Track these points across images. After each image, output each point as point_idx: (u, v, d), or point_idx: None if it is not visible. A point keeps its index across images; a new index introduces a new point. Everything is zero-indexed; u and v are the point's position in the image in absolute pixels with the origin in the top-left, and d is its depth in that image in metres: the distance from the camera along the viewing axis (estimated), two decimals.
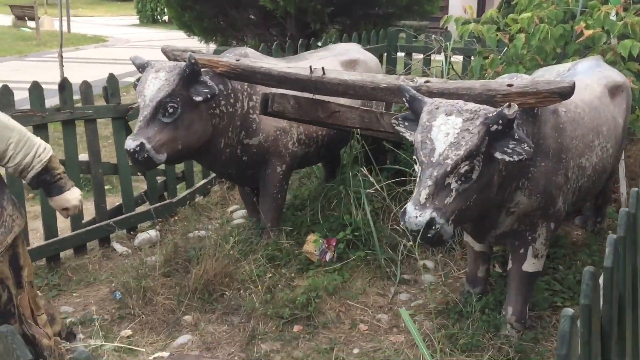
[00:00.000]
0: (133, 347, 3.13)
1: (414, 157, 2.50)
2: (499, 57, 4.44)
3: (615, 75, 3.48)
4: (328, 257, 3.88)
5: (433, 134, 2.41)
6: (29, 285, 2.28)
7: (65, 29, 21.31)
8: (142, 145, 3.15)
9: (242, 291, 3.52)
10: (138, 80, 3.50)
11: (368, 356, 3.04)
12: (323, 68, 3.06)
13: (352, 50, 4.54)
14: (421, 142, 2.43)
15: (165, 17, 29.10)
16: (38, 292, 2.52)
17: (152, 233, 4.42)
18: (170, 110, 3.24)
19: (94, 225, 4.19)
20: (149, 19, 28.62)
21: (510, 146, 2.35)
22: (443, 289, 3.64)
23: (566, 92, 2.48)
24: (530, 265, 2.96)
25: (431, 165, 2.37)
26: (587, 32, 4.17)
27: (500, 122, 2.32)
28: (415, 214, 2.32)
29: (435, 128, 2.41)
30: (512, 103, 2.31)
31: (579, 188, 3.00)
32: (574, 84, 2.49)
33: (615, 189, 4.54)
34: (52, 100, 4.07)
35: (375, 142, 4.37)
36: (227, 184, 5.34)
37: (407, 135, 2.60)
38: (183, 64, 3.29)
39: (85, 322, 3.37)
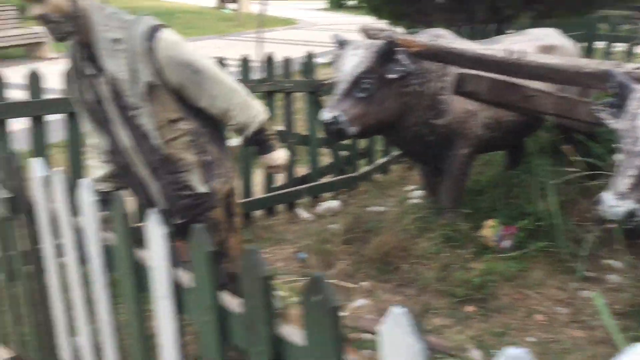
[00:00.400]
0: None
1: (617, 145, 2.39)
2: None
3: None
4: (506, 244, 3.83)
5: (639, 122, 2.29)
6: (238, 232, 2.59)
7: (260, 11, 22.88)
8: (337, 117, 3.36)
9: (417, 266, 3.62)
10: (335, 56, 3.72)
11: (543, 346, 2.98)
12: (520, 51, 3.02)
13: (550, 35, 4.37)
14: (627, 130, 2.32)
15: (351, 2, 29.91)
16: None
17: (334, 203, 4.69)
18: (366, 86, 3.40)
19: (283, 191, 4.54)
20: (335, 3, 29.61)
21: None
22: (632, 291, 3.42)
23: None
24: None
25: (635, 155, 2.26)
26: None
27: None
28: (615, 203, 2.23)
29: None
30: None
31: None
32: None
33: None
34: None
35: (565, 132, 4.19)
36: (407, 164, 5.46)
37: (610, 121, 2.49)
38: (380, 42, 3.44)
39: (272, 275, 3.70)
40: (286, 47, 14.57)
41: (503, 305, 3.29)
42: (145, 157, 2.34)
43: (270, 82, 4.31)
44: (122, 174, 2.49)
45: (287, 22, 21.33)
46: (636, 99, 2.34)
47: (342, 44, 3.64)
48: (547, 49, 4.10)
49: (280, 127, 4.62)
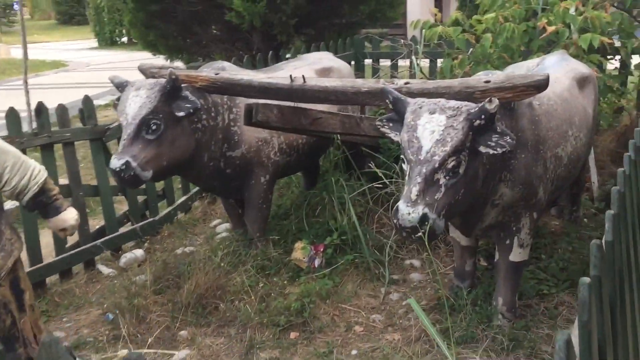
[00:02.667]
0: None
1: (402, 156, 2.57)
2: (467, 57, 4.57)
3: (581, 68, 3.63)
4: (317, 263, 3.92)
5: (419, 132, 2.49)
6: (31, 308, 2.27)
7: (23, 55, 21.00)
8: (127, 163, 3.15)
9: (235, 302, 3.53)
10: (118, 99, 3.51)
11: (366, 356, 3.09)
12: (303, 76, 3.13)
13: (325, 58, 4.62)
14: (408, 141, 2.50)
15: (124, 39, 28.92)
16: (39, 314, 2.50)
17: (138, 252, 4.40)
18: (154, 127, 3.25)
19: (79, 249, 4.15)
20: (107, 41, 28.40)
21: (494, 139, 2.44)
22: (432, 285, 3.72)
23: (541, 85, 2.59)
24: (517, 255, 3.05)
25: (419, 163, 2.44)
26: (550, 28, 4.34)
27: (483, 116, 2.42)
28: (408, 210, 2.38)
29: (420, 127, 2.49)
30: (492, 98, 2.41)
31: (557, 177, 3.11)
32: (548, 76, 2.60)
33: (587, 178, 4.70)
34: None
35: (353, 147, 4.45)
36: (208, 199, 5.36)
37: (393, 135, 2.67)
38: (163, 80, 3.32)
39: (79, 345, 3.34)
40: (59, 92, 13.56)
41: (324, 324, 3.35)
42: None
43: (45, 134, 3.91)
44: None
45: (56, 65, 19.89)
46: (411, 112, 2.54)
47: (121, 85, 3.45)
48: (324, 71, 4.34)
49: (65, 181, 4.23)
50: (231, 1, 7.18)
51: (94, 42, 29.48)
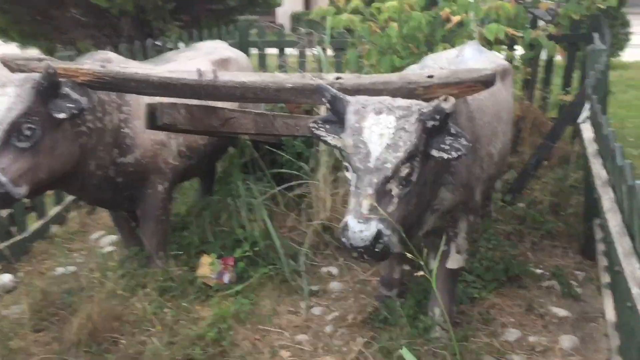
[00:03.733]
0: None
1: (344, 163, 2.24)
2: (374, 47, 4.32)
3: (500, 60, 3.52)
4: (227, 279, 3.50)
5: (365, 136, 2.16)
6: None
7: None
8: None
9: (138, 335, 3.01)
10: None
11: None
12: (215, 70, 2.68)
13: (220, 48, 4.17)
14: (353, 146, 2.17)
15: None
16: None
17: (6, 278, 3.69)
18: (28, 133, 2.64)
19: None
20: None
21: (447, 142, 2.18)
22: (356, 295, 3.45)
23: (489, 80, 2.37)
24: (454, 261, 2.86)
25: (369, 171, 2.12)
26: (455, 18, 4.21)
27: (437, 117, 2.14)
28: (360, 227, 2.06)
29: (366, 129, 2.17)
30: (447, 96, 2.15)
31: (489, 177, 2.95)
32: (495, 71, 2.40)
33: None
34: None
35: (254, 147, 4.07)
36: (87, 209, 4.69)
37: (330, 139, 2.33)
38: (36, 75, 2.71)
39: None
40: None
41: (246, 351, 2.95)
42: None
43: None
44: None
45: None
46: (353, 112, 2.21)
47: None
48: (222, 62, 3.88)
49: None
50: None
51: None
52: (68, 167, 2.87)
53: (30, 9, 7.72)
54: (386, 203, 2.12)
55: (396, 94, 2.40)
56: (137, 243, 3.64)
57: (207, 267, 3.48)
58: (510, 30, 4.13)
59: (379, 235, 2.07)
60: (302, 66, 5.78)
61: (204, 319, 3.13)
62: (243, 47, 6.54)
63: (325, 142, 2.35)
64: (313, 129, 2.36)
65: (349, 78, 2.53)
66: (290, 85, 2.58)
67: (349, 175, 2.21)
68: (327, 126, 2.34)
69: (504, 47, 4.35)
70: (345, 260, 3.79)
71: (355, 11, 4.66)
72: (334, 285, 3.58)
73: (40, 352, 2.91)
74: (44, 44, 7.96)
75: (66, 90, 2.72)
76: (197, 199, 4.44)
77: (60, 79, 2.72)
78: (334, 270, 3.74)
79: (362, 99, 2.26)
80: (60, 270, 3.78)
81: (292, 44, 6.27)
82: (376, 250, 2.08)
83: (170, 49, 5.61)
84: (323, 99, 2.29)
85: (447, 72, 2.43)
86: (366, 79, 2.51)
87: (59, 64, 2.84)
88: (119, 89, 2.89)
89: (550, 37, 4.59)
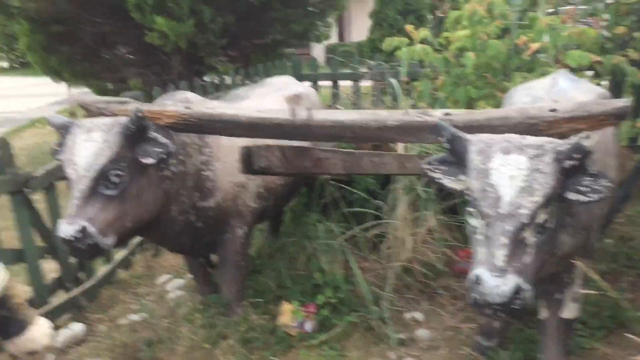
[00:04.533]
0: None
1: (468, 209, 2.04)
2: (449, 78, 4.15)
3: (597, 88, 3.30)
4: (308, 327, 3.30)
5: (494, 178, 1.97)
6: None
7: None
8: (84, 229, 2.39)
9: None
10: (59, 145, 2.73)
11: None
12: (309, 110, 2.52)
13: (290, 83, 4.04)
14: (480, 190, 1.98)
15: (5, 64, 26.58)
16: None
17: (77, 327, 3.55)
18: (115, 180, 2.51)
19: None
20: None
21: (586, 184, 1.97)
22: (448, 343, 3.21)
23: (623, 113, 2.16)
24: (570, 311, 2.61)
25: (501, 218, 1.92)
26: (534, 46, 4.02)
27: (577, 156, 1.94)
28: (496, 282, 1.85)
29: (495, 171, 1.97)
30: (587, 132, 1.94)
31: (605, 216, 2.72)
32: (629, 103, 2.19)
33: None
34: None
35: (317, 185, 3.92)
36: (151, 252, 4.55)
37: (447, 181, 2.14)
38: (123, 119, 2.59)
39: None
40: None
41: None
42: None
43: None
44: None
45: None
46: (477, 152, 2.02)
47: (64, 127, 2.66)
48: (294, 98, 3.76)
49: None
50: (152, 20, 6.38)
51: None
52: (153, 213, 2.73)
53: (81, 48, 7.80)
54: (521, 253, 1.91)
55: (515, 130, 2.20)
56: (212, 289, 3.49)
57: (288, 315, 3.29)
58: (594, 57, 3.91)
59: (517, 290, 1.85)
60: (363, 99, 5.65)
61: None
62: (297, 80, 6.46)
63: (441, 185, 2.15)
64: (427, 171, 2.17)
65: (459, 114, 2.34)
66: (393, 122, 2.41)
67: (473, 222, 2.01)
68: (444, 167, 2.15)
69: (588, 73, 4.13)
70: (430, 305, 3.56)
71: (423, 42, 4.51)
72: (422, 332, 3.35)
73: None
74: (95, 83, 8.00)
75: (154, 134, 2.60)
76: (266, 241, 4.27)
77: (147, 123, 2.59)
78: (418, 315, 3.51)
79: (485, 137, 2.07)
80: (131, 317, 3.63)
81: (347, 77, 6.16)
82: (514, 307, 1.86)
83: (228, 86, 5.55)
84: (440, 138, 2.11)
85: (572, 105, 2.23)
86: (479, 114, 2.32)
87: (143, 107, 2.73)
88: (205, 130, 2.75)
89: (633, 62, 4.36)
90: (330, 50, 20.84)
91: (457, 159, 2.11)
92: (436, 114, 2.38)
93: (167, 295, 3.97)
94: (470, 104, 4.06)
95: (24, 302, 1.51)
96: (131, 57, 8.11)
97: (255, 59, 7.86)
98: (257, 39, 8.27)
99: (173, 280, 4.20)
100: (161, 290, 4.08)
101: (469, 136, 2.08)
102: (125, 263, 4.37)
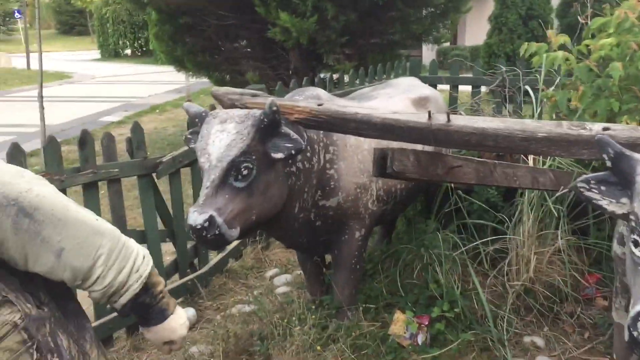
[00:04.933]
0: None
1: (632, 236, 1.83)
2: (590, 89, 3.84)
3: None
4: (420, 339, 3.16)
5: None
6: None
7: (24, 66, 20.25)
8: (211, 219, 2.39)
9: None
10: (191, 133, 2.77)
11: None
12: (448, 114, 2.39)
13: (417, 85, 3.92)
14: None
15: (128, 51, 28.23)
16: None
17: (189, 312, 3.62)
18: (245, 172, 2.50)
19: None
20: (110, 53, 27.69)
21: None
22: None
23: None
24: None
25: None
26: None
27: None
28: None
29: None
30: None
31: None
32: None
33: None
34: (28, 146, 3.27)
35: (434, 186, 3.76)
36: (261, 244, 4.59)
37: (605, 204, 1.93)
38: (257, 112, 2.57)
39: None
40: (66, 105, 12.79)
41: None
42: None
43: (90, 169, 3.15)
44: None
45: (60, 76, 19.12)
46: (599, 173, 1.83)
47: (199, 116, 2.69)
48: (421, 101, 3.63)
49: None
50: (277, 16, 6.45)
51: (96, 54, 28.79)
52: (277, 209, 2.71)
53: (204, 40, 8.06)
54: None
55: None
56: (323, 290, 3.44)
57: (400, 325, 3.17)
58: None
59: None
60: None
61: None
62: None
63: (598, 206, 1.95)
64: (582, 190, 1.97)
65: (620, 129, 2.13)
66: (542, 134, 2.23)
67: (638, 252, 1.80)
68: (603, 188, 1.95)
69: None
70: (552, 331, 3.32)
71: (560, 48, 4.22)
72: None
73: None
74: (214, 75, 8.25)
75: (285, 129, 2.57)
76: (377, 245, 4.17)
77: (280, 117, 2.56)
78: (539, 341, 3.27)
79: None
80: (242, 308, 3.66)
81: (469, 81, 5.93)
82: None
83: (346, 84, 5.49)
84: (604, 155, 1.91)
85: None
86: None
87: (280, 101, 2.70)
88: (336, 129, 2.69)
89: None
90: (442, 53, 20.40)
91: (620, 180, 1.90)
92: (594, 127, 2.18)
93: (275, 289, 3.97)
94: (610, 119, 3.75)
95: (165, 291, 1.50)
96: (249, 50, 8.28)
97: (370, 58, 7.79)
98: (374, 38, 8.19)
99: (280, 276, 4.21)
100: (269, 284, 4.10)
101: (636, 155, 1.87)
102: (236, 253, 4.43)
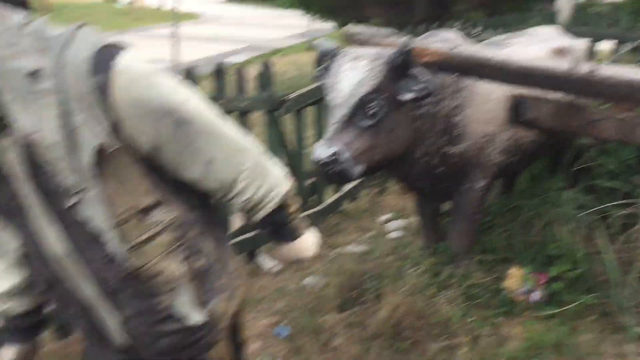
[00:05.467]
0: None
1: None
2: None
3: None
4: (534, 297, 3.09)
5: None
6: None
7: (157, 4, 21.28)
8: (338, 154, 2.45)
9: (440, 341, 2.78)
10: (323, 69, 2.81)
11: None
12: (593, 63, 2.26)
13: (557, 34, 3.69)
14: None
15: None
16: None
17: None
18: (373, 110, 2.51)
19: (239, 238, 3.55)
20: None
21: None
22: None
23: None
24: None
25: None
26: None
27: None
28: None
29: None
30: None
31: None
32: None
33: None
34: None
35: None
36: (377, 188, 4.63)
37: None
38: (389, 51, 2.56)
39: None
40: (194, 44, 13.35)
41: None
42: (95, 273, 1.33)
43: (223, 100, 3.31)
44: (47, 290, 1.46)
45: (189, 17, 19.90)
46: None
47: (329, 53, 2.73)
48: (560, 52, 3.42)
49: None
50: None
51: None
52: (401, 150, 2.71)
53: None
54: None
55: None
56: (438, 238, 3.43)
57: (516, 280, 3.11)
58: None
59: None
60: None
61: (512, 339, 2.80)
62: None
63: None
64: None
65: None
66: None
67: None
68: None
69: None
70: None
71: None
72: None
73: (344, 334, 2.85)
74: (340, 19, 8.24)
75: (415, 70, 2.54)
76: (496, 197, 4.07)
77: (412, 58, 2.54)
78: None
79: None
80: (355, 248, 3.74)
81: (612, 36, 5.51)
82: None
83: (476, 34, 5.30)
84: None
85: None
86: None
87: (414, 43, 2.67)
88: (468, 73, 2.62)
89: None
90: (578, 9, 18.96)
91: None
92: None
93: (388, 234, 4.02)
94: None
95: (298, 212, 1.56)
96: None
97: (500, 10, 7.42)
98: None
99: (394, 222, 4.24)
100: (382, 228, 4.15)
101: None
102: (352, 195, 4.51)
